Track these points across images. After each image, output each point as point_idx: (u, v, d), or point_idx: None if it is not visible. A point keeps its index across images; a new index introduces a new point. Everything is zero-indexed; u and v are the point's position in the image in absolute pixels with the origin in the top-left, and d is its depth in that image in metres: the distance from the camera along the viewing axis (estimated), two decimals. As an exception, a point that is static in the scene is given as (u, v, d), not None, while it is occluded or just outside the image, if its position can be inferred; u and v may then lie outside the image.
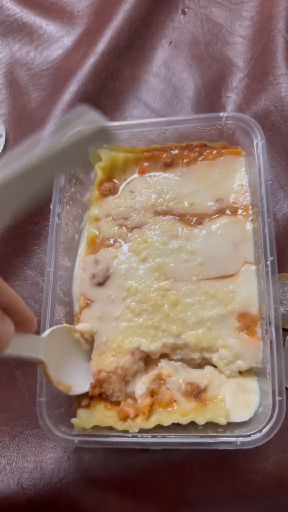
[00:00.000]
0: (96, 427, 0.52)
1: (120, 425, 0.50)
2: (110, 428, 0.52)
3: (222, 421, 0.50)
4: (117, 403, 0.53)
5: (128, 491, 0.55)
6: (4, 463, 0.57)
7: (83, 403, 0.54)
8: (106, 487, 0.55)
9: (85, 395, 0.54)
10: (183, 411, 0.52)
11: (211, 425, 0.50)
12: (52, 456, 0.57)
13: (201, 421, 0.50)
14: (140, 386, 0.54)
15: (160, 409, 0.52)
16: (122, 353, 0.54)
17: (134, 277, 0.58)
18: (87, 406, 0.54)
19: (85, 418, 0.52)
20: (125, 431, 0.50)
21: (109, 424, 0.51)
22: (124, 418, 0.51)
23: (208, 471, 0.54)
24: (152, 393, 0.53)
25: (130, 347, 0.55)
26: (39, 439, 0.58)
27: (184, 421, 0.50)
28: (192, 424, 0.51)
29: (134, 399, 0.53)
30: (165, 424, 0.50)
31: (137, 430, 0.50)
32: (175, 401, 0.53)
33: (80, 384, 0.54)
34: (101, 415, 0.52)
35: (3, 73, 0.78)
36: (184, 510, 0.54)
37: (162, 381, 0.54)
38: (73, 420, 0.52)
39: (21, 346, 0.45)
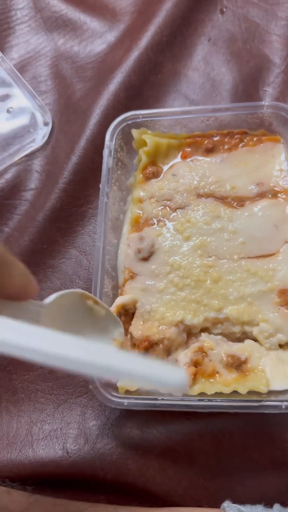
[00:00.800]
0: (139, 391, 0.54)
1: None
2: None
3: (263, 389, 0.52)
4: None
5: (169, 457, 0.57)
6: (49, 429, 0.60)
7: None
8: (147, 453, 0.57)
9: None
10: (225, 382, 0.54)
11: (253, 394, 0.53)
12: (96, 423, 0.59)
13: (243, 390, 0.52)
14: (184, 356, 0.56)
15: (203, 380, 0.55)
16: (167, 324, 0.57)
17: (177, 253, 0.60)
18: None
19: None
20: (170, 395, 0.53)
21: None
22: None
23: (247, 440, 0.56)
24: (196, 364, 0.56)
25: (174, 319, 0.57)
26: (83, 407, 0.60)
27: (227, 390, 0.53)
28: (234, 394, 0.53)
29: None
30: (208, 393, 0.53)
31: (181, 394, 0.52)
32: (218, 372, 0.55)
33: None
34: None
35: (48, 65, 0.82)
36: (223, 477, 0.56)
37: (204, 354, 0.56)
38: (119, 384, 0.54)
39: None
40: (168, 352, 0.57)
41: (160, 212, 0.64)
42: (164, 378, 0.29)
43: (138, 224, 0.64)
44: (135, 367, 0.30)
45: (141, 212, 0.65)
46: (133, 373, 0.29)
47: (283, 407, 0.50)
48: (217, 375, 0.55)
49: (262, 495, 0.55)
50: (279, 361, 0.55)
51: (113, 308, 0.59)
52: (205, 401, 0.52)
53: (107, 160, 0.64)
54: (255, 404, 0.50)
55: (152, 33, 0.76)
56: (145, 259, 0.61)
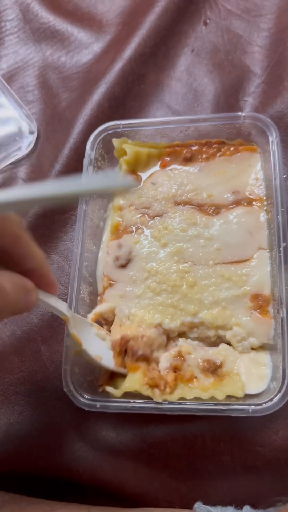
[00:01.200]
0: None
1: (145, 390, 0.54)
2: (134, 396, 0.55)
3: (240, 394, 0.53)
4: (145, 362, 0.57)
5: (143, 459, 0.58)
6: (27, 431, 0.61)
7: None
8: (122, 455, 0.58)
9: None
10: (203, 387, 0.55)
11: (227, 398, 0.54)
12: (73, 426, 0.61)
13: (220, 396, 0.53)
14: (165, 360, 0.58)
15: (182, 385, 0.56)
16: (146, 326, 0.58)
17: (154, 260, 0.62)
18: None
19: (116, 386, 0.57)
20: (149, 398, 0.54)
21: (135, 388, 0.54)
22: (152, 386, 0.55)
23: (219, 443, 0.57)
24: (175, 369, 0.57)
25: (152, 322, 0.59)
26: (61, 410, 0.61)
27: (205, 396, 0.54)
28: (213, 399, 0.54)
29: (157, 366, 0.57)
30: (188, 398, 0.54)
31: (161, 400, 0.54)
32: (195, 377, 0.57)
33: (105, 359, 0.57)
34: (130, 379, 0.56)
35: (36, 75, 0.84)
36: (195, 479, 0.57)
37: (182, 358, 0.58)
38: (108, 388, 0.56)
39: (49, 298, 0.49)
40: (150, 349, 0.58)
41: (139, 220, 0.65)
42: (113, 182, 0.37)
43: (118, 232, 0.66)
44: (89, 183, 0.37)
45: (120, 219, 0.66)
46: (88, 188, 0.36)
47: (250, 410, 0.51)
48: (195, 380, 0.57)
49: (233, 497, 0.57)
50: (252, 363, 0.57)
51: (91, 316, 0.60)
52: (175, 404, 0.53)
53: (87, 169, 0.65)
54: (223, 407, 0.51)
55: (136, 44, 0.78)
56: (123, 266, 0.63)
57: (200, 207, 0.64)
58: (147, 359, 0.56)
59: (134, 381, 0.55)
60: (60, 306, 0.51)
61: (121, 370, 0.57)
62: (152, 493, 0.58)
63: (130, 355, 0.57)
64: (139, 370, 0.56)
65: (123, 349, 0.58)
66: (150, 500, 0.58)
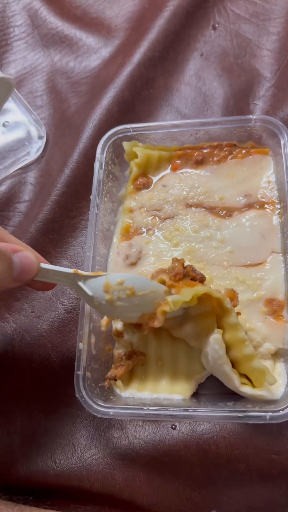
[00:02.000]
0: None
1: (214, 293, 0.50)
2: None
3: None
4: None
5: (155, 468, 0.57)
6: (38, 439, 0.60)
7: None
8: (134, 463, 0.57)
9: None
10: None
11: (240, 402, 0.53)
12: (84, 434, 0.60)
13: None
14: None
15: None
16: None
17: (166, 257, 0.61)
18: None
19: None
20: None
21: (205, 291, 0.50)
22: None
23: (233, 451, 0.56)
24: None
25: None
26: (72, 418, 0.61)
27: None
28: (223, 401, 0.53)
29: None
30: None
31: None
32: None
33: None
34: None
35: (44, 80, 0.84)
36: (209, 488, 0.56)
37: None
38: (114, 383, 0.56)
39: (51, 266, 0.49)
40: None
41: (150, 222, 0.65)
42: None
43: (128, 233, 0.65)
44: None
45: (131, 221, 0.66)
46: None
47: (267, 417, 0.50)
48: None
49: (248, 506, 0.55)
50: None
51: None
52: (190, 411, 0.52)
53: (98, 173, 0.65)
54: (239, 414, 0.50)
55: (145, 49, 0.78)
56: (133, 263, 0.62)
57: (212, 210, 0.64)
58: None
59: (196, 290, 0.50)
60: (65, 268, 0.50)
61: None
62: (165, 502, 0.56)
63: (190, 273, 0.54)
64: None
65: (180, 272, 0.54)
66: (162, 510, 0.56)
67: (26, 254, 0.45)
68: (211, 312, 0.52)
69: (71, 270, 0.50)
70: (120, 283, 0.51)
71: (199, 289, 0.50)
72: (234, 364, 0.53)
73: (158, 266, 0.61)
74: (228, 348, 0.52)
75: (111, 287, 0.50)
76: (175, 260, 0.54)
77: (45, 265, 0.49)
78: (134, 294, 0.51)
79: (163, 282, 0.54)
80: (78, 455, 0.59)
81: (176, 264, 0.53)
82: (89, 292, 0.50)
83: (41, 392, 0.63)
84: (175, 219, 0.64)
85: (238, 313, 0.53)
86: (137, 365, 0.58)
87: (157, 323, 0.52)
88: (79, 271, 0.50)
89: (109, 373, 0.57)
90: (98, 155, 0.66)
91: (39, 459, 0.59)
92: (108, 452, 0.58)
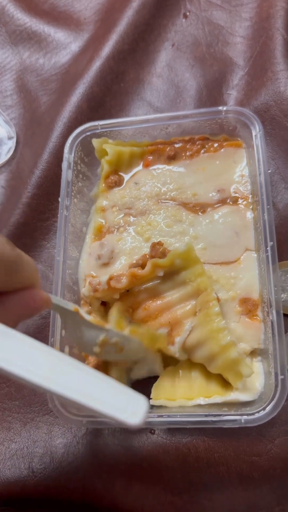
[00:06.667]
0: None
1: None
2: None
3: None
4: None
5: (135, 474, 0.56)
6: (16, 448, 0.59)
7: None
8: (113, 470, 0.56)
9: None
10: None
11: (215, 406, 0.52)
12: (62, 441, 0.58)
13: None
14: None
15: None
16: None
17: (138, 254, 0.59)
18: None
19: None
20: None
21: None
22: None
23: (213, 454, 0.55)
24: None
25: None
26: (49, 425, 0.59)
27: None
28: (197, 405, 0.52)
29: None
30: None
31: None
32: None
33: None
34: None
35: (13, 79, 0.81)
36: (190, 493, 0.55)
37: None
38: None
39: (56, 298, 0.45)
40: None
41: (122, 221, 0.63)
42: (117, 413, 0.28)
43: (101, 233, 0.64)
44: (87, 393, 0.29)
45: (103, 221, 0.64)
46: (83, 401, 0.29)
47: (243, 421, 0.48)
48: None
49: (231, 510, 0.54)
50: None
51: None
52: (165, 417, 0.50)
53: (66, 173, 0.63)
54: (214, 419, 0.49)
55: (114, 41, 0.75)
56: (106, 264, 0.60)
57: (185, 206, 0.62)
58: None
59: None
60: (67, 303, 0.46)
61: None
62: (147, 508, 0.55)
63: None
64: None
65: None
66: (144, 516, 0.55)
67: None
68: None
69: (71, 307, 0.46)
70: (115, 343, 0.49)
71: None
72: (209, 363, 0.52)
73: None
74: (203, 343, 0.52)
75: (107, 344, 0.48)
76: (154, 244, 0.57)
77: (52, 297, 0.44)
78: (122, 351, 0.50)
79: (133, 276, 0.54)
80: (56, 463, 0.57)
81: (157, 246, 0.56)
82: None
83: (17, 400, 0.61)
84: (147, 214, 0.62)
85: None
86: None
87: None
88: (80, 312, 0.46)
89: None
90: (65, 154, 0.64)
91: (17, 469, 0.58)
92: (86, 460, 0.57)
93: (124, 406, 0.29)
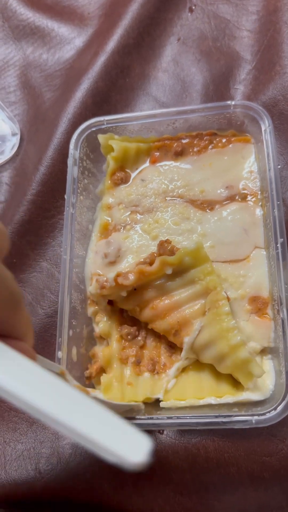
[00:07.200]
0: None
1: None
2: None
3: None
4: None
5: (144, 474, 0.55)
6: (22, 449, 0.58)
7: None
8: (121, 471, 0.55)
9: None
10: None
11: (226, 406, 0.51)
12: (69, 442, 0.58)
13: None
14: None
15: None
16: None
17: (146, 252, 0.59)
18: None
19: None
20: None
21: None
22: None
23: (223, 455, 0.54)
24: None
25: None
26: (56, 425, 0.59)
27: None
28: (208, 405, 0.51)
29: None
30: None
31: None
32: None
33: None
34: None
35: (17, 75, 0.80)
36: (200, 493, 0.54)
37: None
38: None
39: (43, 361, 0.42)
40: None
41: (128, 218, 0.62)
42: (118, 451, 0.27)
43: (107, 231, 0.63)
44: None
45: (109, 218, 0.63)
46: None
47: (253, 421, 0.48)
48: None
49: (241, 510, 0.53)
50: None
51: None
52: (174, 418, 0.50)
53: (72, 169, 0.62)
54: (224, 420, 0.48)
55: (119, 36, 0.74)
56: (112, 262, 0.60)
57: (193, 203, 0.61)
58: None
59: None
60: (53, 364, 0.44)
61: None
62: (156, 509, 0.55)
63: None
64: None
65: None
66: (153, 517, 0.55)
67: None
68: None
69: (57, 369, 0.44)
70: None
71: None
72: (219, 363, 0.51)
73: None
74: (212, 344, 0.51)
75: None
76: (162, 242, 0.56)
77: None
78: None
79: (141, 273, 0.53)
80: (63, 464, 0.57)
81: (166, 244, 0.55)
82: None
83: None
84: (154, 212, 0.61)
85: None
86: None
87: None
88: (66, 375, 0.45)
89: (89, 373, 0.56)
90: (71, 151, 0.63)
91: (24, 470, 0.57)
92: (94, 460, 0.56)
93: (126, 443, 0.27)
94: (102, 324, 0.58)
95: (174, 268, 0.53)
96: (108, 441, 0.26)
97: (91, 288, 0.57)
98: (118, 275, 0.54)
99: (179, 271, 0.53)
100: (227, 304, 0.51)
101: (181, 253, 0.52)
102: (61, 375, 0.44)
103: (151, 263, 0.55)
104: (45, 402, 0.27)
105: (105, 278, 0.55)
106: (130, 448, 0.26)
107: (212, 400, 0.51)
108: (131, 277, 0.53)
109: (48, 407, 0.27)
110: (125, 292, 0.55)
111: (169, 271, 0.53)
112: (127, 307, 0.57)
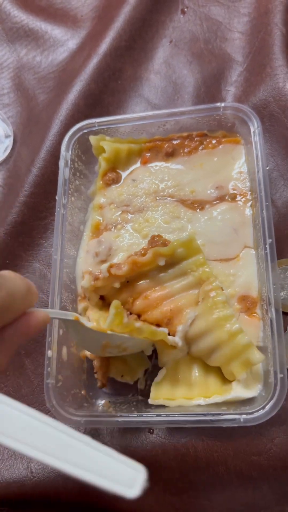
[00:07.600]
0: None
1: None
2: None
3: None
4: None
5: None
6: (14, 448, 0.58)
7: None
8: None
9: None
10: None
11: (214, 405, 0.51)
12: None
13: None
14: None
15: None
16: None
17: (136, 250, 0.59)
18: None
19: None
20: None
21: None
22: None
23: (212, 454, 0.54)
24: None
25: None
26: (48, 425, 0.59)
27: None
28: (197, 405, 0.51)
29: None
30: None
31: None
32: None
33: None
34: None
35: (11, 77, 0.81)
36: (189, 492, 0.55)
37: None
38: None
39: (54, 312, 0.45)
40: None
41: (119, 218, 0.62)
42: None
43: (99, 231, 0.63)
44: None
45: (101, 218, 0.63)
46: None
47: (242, 420, 0.48)
48: None
49: (230, 510, 0.54)
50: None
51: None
52: (163, 416, 0.50)
53: (63, 171, 0.62)
54: (212, 418, 0.48)
55: (111, 38, 0.75)
56: (103, 261, 0.60)
57: (184, 202, 0.61)
58: None
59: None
60: (66, 313, 0.46)
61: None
62: (146, 508, 0.55)
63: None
64: None
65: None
66: (143, 516, 0.55)
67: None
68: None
69: (71, 317, 0.45)
70: (118, 345, 0.50)
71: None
72: (210, 354, 0.52)
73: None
74: (209, 332, 0.51)
75: (109, 346, 0.49)
76: (154, 236, 0.56)
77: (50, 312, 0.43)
78: (126, 350, 0.51)
79: (134, 263, 0.54)
80: (54, 464, 0.57)
81: (156, 239, 0.56)
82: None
83: (16, 400, 0.61)
84: (145, 211, 0.62)
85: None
86: None
87: None
88: (80, 320, 0.45)
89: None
90: (62, 152, 0.63)
91: (16, 470, 0.57)
92: (85, 460, 0.57)
93: (120, 477, 0.28)
94: (92, 312, 0.58)
95: (167, 259, 0.53)
96: (105, 482, 0.28)
97: (84, 282, 0.58)
98: (111, 266, 0.55)
99: (172, 263, 0.54)
100: (223, 293, 0.51)
101: (174, 245, 0.53)
102: (76, 321, 0.45)
103: (143, 255, 0.55)
104: (40, 455, 0.29)
105: (99, 271, 0.56)
106: (126, 484, 0.28)
107: (202, 401, 0.51)
108: (124, 267, 0.54)
109: (44, 458, 0.28)
110: (118, 283, 0.56)
111: (162, 262, 0.53)
112: (119, 299, 0.57)
